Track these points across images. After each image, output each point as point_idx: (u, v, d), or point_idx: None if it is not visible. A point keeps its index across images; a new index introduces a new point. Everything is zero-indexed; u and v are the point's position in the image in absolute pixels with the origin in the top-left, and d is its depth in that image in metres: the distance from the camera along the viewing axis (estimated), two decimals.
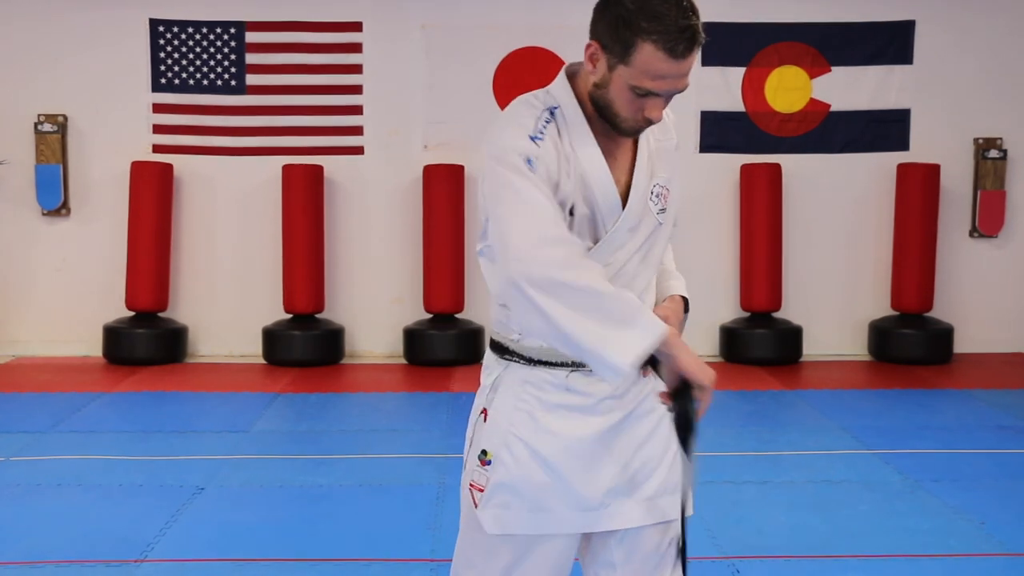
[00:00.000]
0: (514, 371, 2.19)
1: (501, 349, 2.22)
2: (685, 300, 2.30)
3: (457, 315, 8.11)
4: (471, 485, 2.21)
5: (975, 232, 8.53)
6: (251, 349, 8.30)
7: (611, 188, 2.10)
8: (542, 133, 2.03)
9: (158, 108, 8.30)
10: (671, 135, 2.26)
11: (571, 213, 2.06)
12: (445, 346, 7.85)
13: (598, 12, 2.01)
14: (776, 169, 8.23)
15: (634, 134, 2.10)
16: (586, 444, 2.16)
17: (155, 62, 8.27)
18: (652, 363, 1.99)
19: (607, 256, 2.12)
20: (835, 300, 8.51)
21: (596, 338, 1.92)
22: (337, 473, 5.21)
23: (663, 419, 2.16)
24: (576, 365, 2.13)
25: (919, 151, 8.37)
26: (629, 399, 2.18)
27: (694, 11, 1.96)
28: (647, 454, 2.20)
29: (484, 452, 2.20)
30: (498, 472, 2.17)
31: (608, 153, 2.11)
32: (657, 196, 2.16)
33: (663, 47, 1.94)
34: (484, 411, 2.21)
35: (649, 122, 2.06)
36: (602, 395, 2.15)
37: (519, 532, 2.16)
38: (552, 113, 2.08)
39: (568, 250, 1.97)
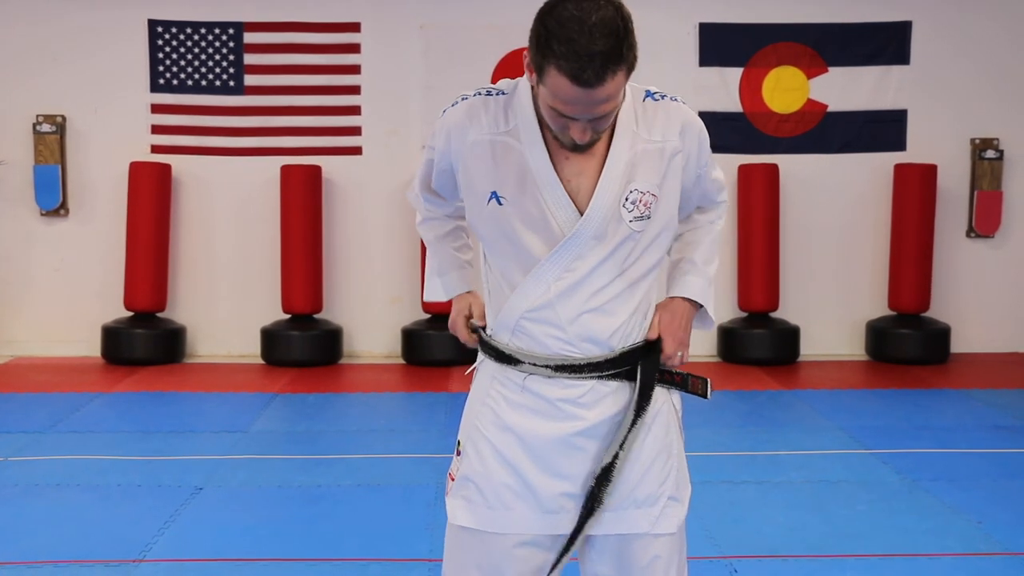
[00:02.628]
0: (487, 366, 2.23)
1: (481, 342, 2.26)
2: (694, 301, 2.27)
3: None
4: (449, 473, 2.27)
5: (972, 232, 8.55)
6: (250, 349, 8.31)
7: (559, 190, 2.06)
8: (452, 112, 2.20)
9: (156, 109, 8.30)
10: (670, 138, 2.12)
11: (498, 201, 2.09)
12: (443, 346, 7.84)
13: (533, 22, 1.93)
14: (773, 169, 8.24)
15: (574, 149, 2.03)
16: (546, 445, 2.13)
17: (154, 63, 8.27)
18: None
19: (567, 262, 2.07)
20: (832, 300, 8.52)
21: (428, 277, 2.47)
22: (335, 473, 5.22)
23: (638, 431, 2.14)
24: (535, 367, 2.13)
25: (916, 151, 8.39)
26: (597, 410, 2.13)
27: (612, 34, 1.85)
28: (617, 462, 2.14)
29: (458, 442, 2.26)
30: (464, 465, 2.21)
31: (571, 156, 2.07)
32: (633, 203, 2.07)
33: (568, 74, 1.86)
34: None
35: (576, 145, 2.00)
36: (555, 397, 2.12)
37: (477, 527, 2.18)
38: (489, 95, 2.15)
39: (424, 209, 2.42)
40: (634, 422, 2.13)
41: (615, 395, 2.15)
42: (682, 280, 2.27)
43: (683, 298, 2.25)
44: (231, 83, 8.30)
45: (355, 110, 8.35)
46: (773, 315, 8.32)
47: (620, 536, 2.16)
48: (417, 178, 2.37)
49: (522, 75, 2.16)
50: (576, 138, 1.98)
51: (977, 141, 8.46)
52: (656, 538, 2.17)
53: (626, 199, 2.07)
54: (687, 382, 2.24)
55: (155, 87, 8.30)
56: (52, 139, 8.24)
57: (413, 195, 2.43)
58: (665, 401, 2.21)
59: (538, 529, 2.15)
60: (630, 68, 1.92)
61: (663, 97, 2.16)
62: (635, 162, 2.08)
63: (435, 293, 2.45)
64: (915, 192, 8.18)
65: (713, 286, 2.31)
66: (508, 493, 2.15)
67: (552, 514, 2.15)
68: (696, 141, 2.18)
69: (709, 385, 2.24)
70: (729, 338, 8.19)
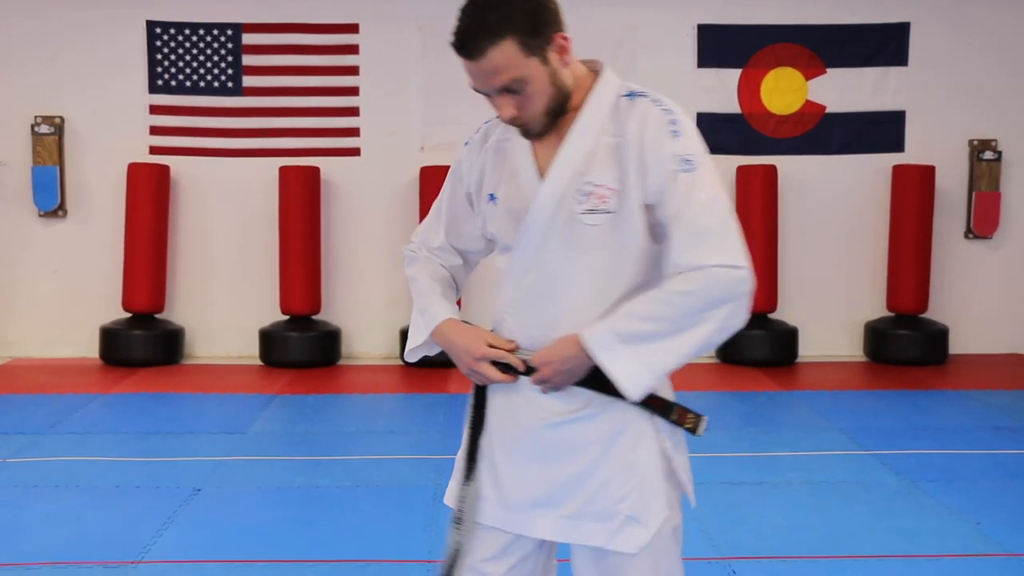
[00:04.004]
0: None
1: None
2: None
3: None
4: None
5: (970, 233, 8.55)
6: (248, 350, 8.30)
7: (531, 170, 2.13)
8: (471, 139, 2.30)
9: (155, 110, 8.30)
10: (629, 131, 2.07)
11: (493, 200, 2.21)
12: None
13: None
14: (772, 171, 8.24)
15: (526, 135, 2.12)
16: (512, 439, 2.19)
17: (152, 64, 8.27)
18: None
19: (531, 255, 2.12)
20: (831, 301, 8.52)
21: (411, 323, 2.32)
22: (334, 474, 5.22)
23: (600, 440, 2.12)
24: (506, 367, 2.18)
25: (914, 153, 8.39)
26: (558, 406, 2.14)
27: (487, 7, 1.99)
28: (574, 470, 2.14)
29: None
30: (460, 450, 2.30)
31: (546, 151, 2.13)
32: (585, 195, 2.07)
33: (457, 51, 2.04)
34: None
35: (527, 131, 2.10)
36: (523, 392, 2.16)
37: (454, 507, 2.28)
38: (491, 120, 2.28)
39: (424, 236, 2.37)
40: (475, 428, 2.24)
41: (575, 392, 2.14)
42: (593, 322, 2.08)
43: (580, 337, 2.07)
44: (229, 84, 8.30)
45: (354, 111, 8.35)
46: (772, 316, 8.33)
47: (593, 549, 2.15)
48: (431, 213, 2.40)
49: None
50: (499, 114, 2.08)
51: (975, 142, 8.46)
52: (626, 559, 2.12)
53: (578, 190, 2.08)
54: (671, 410, 2.13)
55: (153, 88, 8.30)
56: (50, 140, 8.24)
57: (417, 231, 2.42)
58: (641, 420, 2.14)
59: (502, 524, 2.19)
60: (523, 40, 1.99)
61: (642, 96, 2.12)
62: (595, 154, 2.09)
63: (418, 335, 2.27)
64: (913, 193, 8.19)
65: (644, 356, 2.02)
66: (485, 483, 2.22)
67: (515, 511, 2.18)
68: (655, 136, 2.05)
69: (703, 424, 2.14)
70: (727, 339, 8.16)
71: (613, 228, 2.07)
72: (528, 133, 2.11)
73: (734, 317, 2.06)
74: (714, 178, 2.06)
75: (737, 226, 2.06)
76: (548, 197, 2.09)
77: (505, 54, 1.99)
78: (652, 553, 2.13)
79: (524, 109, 2.06)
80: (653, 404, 2.13)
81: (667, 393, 2.18)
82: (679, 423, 2.14)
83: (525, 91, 2.03)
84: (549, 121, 2.09)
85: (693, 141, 2.06)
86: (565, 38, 2.05)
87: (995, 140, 8.45)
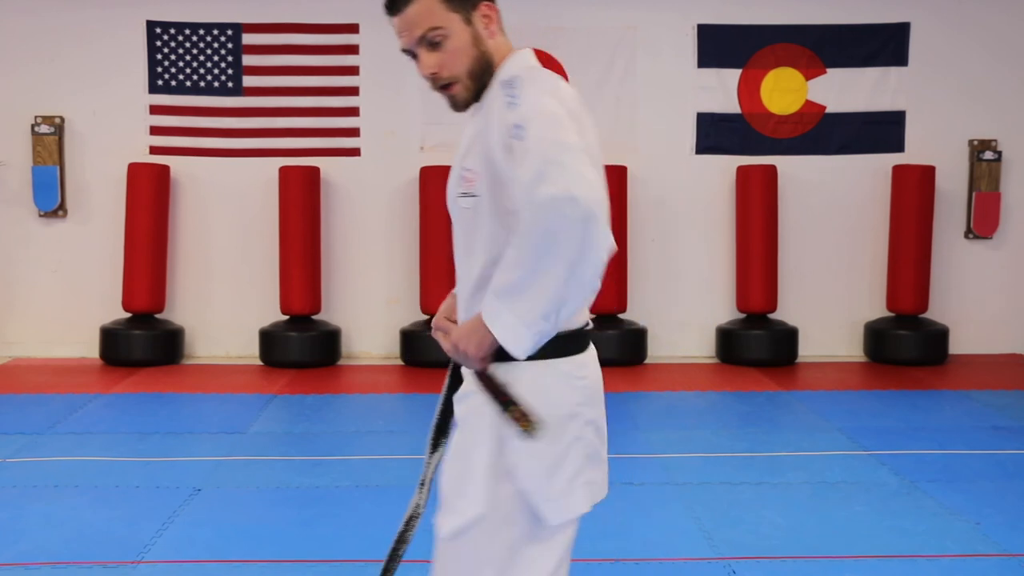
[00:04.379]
0: None
1: None
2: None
3: None
4: None
5: (970, 233, 8.55)
6: (248, 350, 8.31)
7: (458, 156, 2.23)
8: None
9: (155, 110, 8.31)
10: (492, 116, 2.06)
11: None
12: (441, 347, 7.82)
13: None
14: (772, 171, 8.25)
15: (454, 106, 2.16)
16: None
17: (152, 64, 8.28)
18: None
19: (456, 239, 2.23)
20: (831, 301, 8.52)
21: None
22: (334, 474, 5.22)
23: (462, 421, 2.24)
24: None
25: (914, 153, 8.40)
26: (465, 386, 2.24)
27: None
28: (452, 447, 2.26)
29: None
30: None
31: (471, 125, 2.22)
32: (461, 179, 2.15)
33: (386, 11, 2.18)
34: None
35: (433, 82, 2.14)
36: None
37: None
38: None
39: None
40: (446, 402, 2.37)
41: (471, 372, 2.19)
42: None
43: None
44: (229, 84, 8.30)
45: (353, 111, 8.36)
46: (772, 316, 8.33)
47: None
48: None
49: None
50: (420, 70, 2.14)
51: (975, 142, 8.46)
52: (442, 541, 2.19)
53: (458, 174, 2.16)
54: (508, 408, 2.09)
55: (154, 88, 8.30)
56: (51, 140, 8.24)
57: None
58: (483, 408, 2.14)
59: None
60: None
61: (510, 79, 2.10)
62: (474, 140, 2.14)
63: None
64: (913, 193, 8.19)
65: (516, 308, 1.98)
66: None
67: None
68: (497, 115, 2.04)
69: (532, 429, 2.08)
70: (728, 339, 8.19)
71: (482, 211, 2.10)
72: (455, 102, 2.15)
73: (585, 247, 1.90)
74: (551, 126, 1.95)
75: (577, 160, 1.93)
76: (450, 182, 2.21)
77: (426, 7, 2.08)
78: (461, 545, 2.13)
79: (444, 67, 2.10)
80: (500, 398, 2.10)
81: (524, 389, 2.10)
82: (515, 420, 2.09)
83: (446, 45, 2.08)
84: (473, 87, 2.12)
85: (528, 106, 1.99)
86: (491, 8, 2.11)
87: (995, 140, 8.45)
